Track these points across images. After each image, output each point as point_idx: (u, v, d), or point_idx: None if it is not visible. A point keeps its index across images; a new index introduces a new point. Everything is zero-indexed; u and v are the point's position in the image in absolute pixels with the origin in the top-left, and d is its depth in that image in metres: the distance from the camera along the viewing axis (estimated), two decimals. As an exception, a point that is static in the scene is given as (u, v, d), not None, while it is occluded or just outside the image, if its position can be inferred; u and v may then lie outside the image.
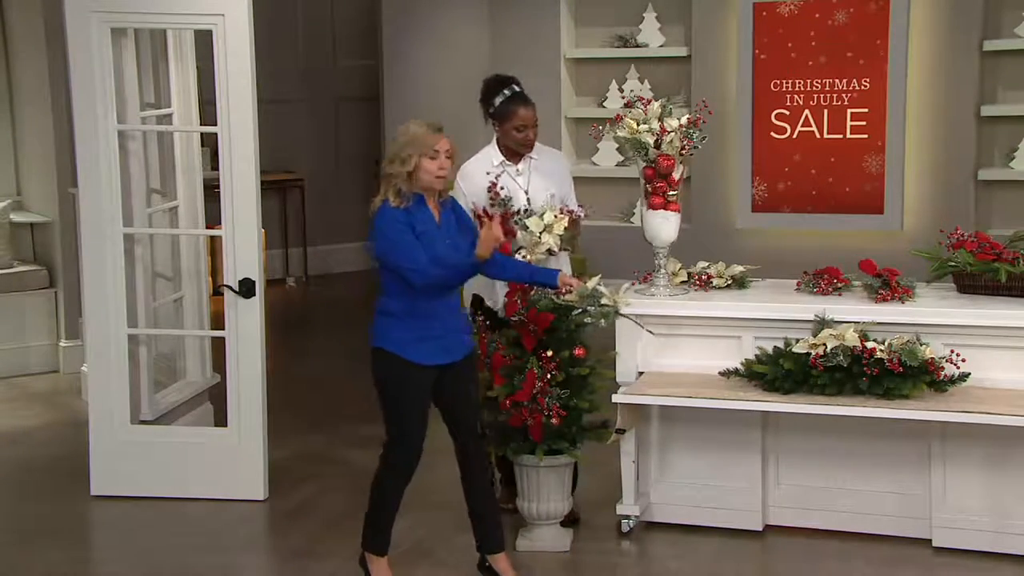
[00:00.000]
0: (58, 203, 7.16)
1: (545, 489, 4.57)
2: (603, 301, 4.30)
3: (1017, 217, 7.29)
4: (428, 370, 4.13)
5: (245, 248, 5.08)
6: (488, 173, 4.83)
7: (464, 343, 4.23)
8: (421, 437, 4.21)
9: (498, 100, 4.88)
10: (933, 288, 4.73)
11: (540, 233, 4.60)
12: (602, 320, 4.31)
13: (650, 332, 4.53)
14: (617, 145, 4.99)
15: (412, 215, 4.07)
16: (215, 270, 6.47)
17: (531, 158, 4.91)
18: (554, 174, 4.92)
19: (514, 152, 4.89)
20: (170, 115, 5.68)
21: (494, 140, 4.95)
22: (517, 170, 4.89)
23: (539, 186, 4.85)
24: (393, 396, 4.16)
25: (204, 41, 5.18)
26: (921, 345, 4.31)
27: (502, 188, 4.76)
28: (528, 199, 4.80)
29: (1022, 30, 7.63)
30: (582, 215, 4.88)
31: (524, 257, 4.57)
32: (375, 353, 4.18)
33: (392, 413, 4.19)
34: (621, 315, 4.40)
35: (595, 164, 8.72)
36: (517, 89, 4.90)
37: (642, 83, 8.44)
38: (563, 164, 5.10)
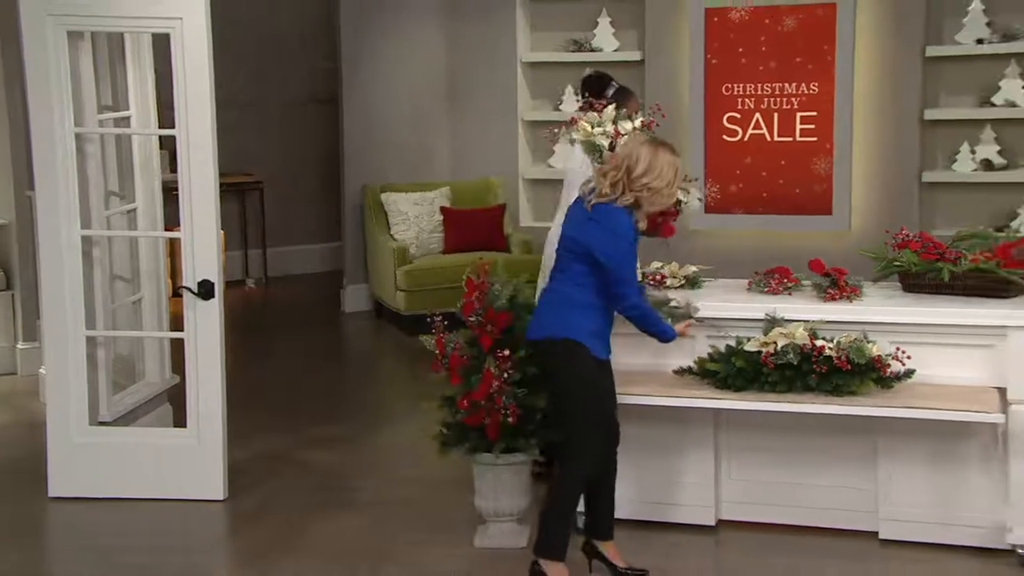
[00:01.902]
0: (15, 205, 7.05)
1: (502, 487, 4.56)
2: (673, 304, 4.40)
3: (959, 218, 7.37)
4: (599, 364, 4.18)
5: (204, 250, 5.03)
6: None
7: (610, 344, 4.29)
8: (609, 426, 4.20)
9: (610, 91, 5.24)
10: (879, 287, 4.77)
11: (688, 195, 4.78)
12: (669, 319, 4.36)
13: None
14: (581, 148, 4.98)
15: (634, 222, 4.16)
16: (175, 271, 6.41)
17: None
18: None
19: None
20: (128, 118, 5.61)
21: None
22: None
23: None
24: (585, 387, 4.13)
25: (163, 44, 5.12)
26: (868, 343, 4.34)
27: None
28: None
29: (962, 37, 7.73)
30: None
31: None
32: (563, 343, 4.11)
33: (582, 405, 4.13)
34: (696, 319, 4.43)
35: (551, 167, 8.72)
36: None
37: (597, 87, 8.45)
38: None
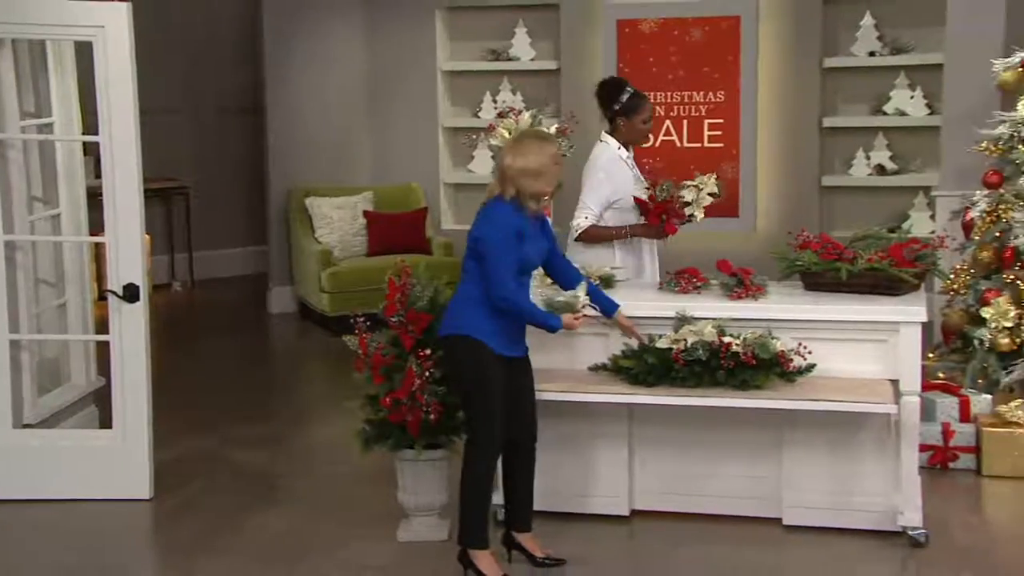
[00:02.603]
0: (-62, 211, 6.80)
1: (424, 482, 4.53)
2: (559, 299, 4.33)
3: (856, 219, 7.52)
4: (503, 360, 4.12)
5: (128, 254, 4.93)
6: (623, 162, 5.09)
7: (524, 341, 4.25)
8: (503, 423, 4.15)
9: (625, 97, 5.07)
10: (783, 286, 4.83)
11: (699, 193, 4.92)
12: (551, 309, 4.31)
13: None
14: (491, 153, 5.00)
15: (522, 217, 4.12)
16: (100, 275, 6.26)
17: (631, 152, 5.20)
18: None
19: (626, 144, 5.13)
20: (51, 124, 5.46)
21: (607, 136, 5.11)
22: (632, 164, 5.17)
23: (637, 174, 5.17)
24: (478, 382, 4.10)
25: (87, 51, 4.99)
26: (772, 339, 4.40)
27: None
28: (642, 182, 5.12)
29: (857, 49, 7.91)
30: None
31: (694, 217, 4.93)
32: (458, 340, 4.11)
33: (477, 399, 4.12)
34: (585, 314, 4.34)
35: (471, 171, 8.72)
36: (639, 90, 5.13)
37: (514, 94, 8.47)
38: None
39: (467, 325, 4.12)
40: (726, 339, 4.37)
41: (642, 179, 5.13)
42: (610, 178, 5.03)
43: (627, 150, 5.14)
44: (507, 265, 4.07)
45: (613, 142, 5.10)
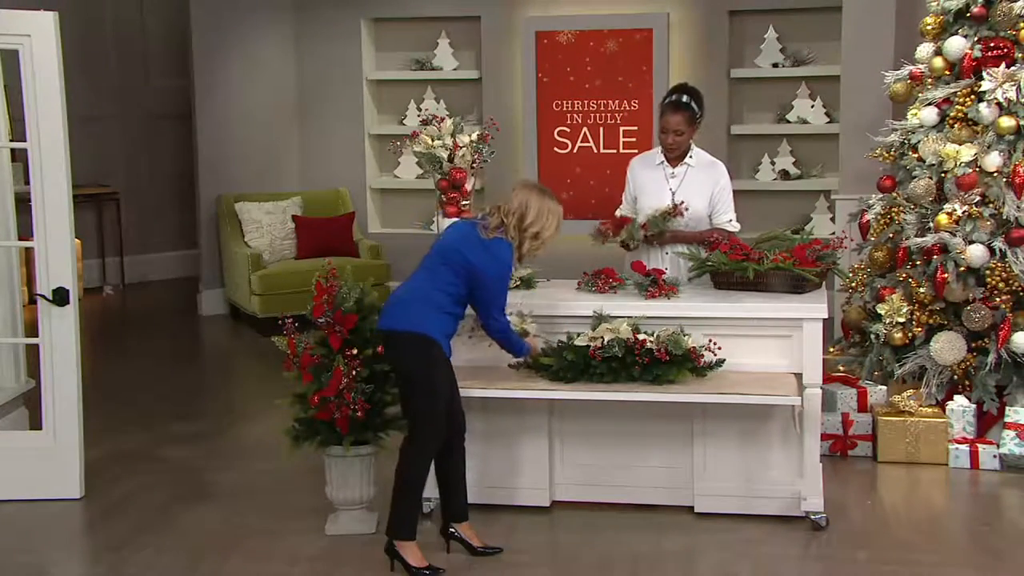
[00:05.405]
0: None
1: (352, 477, 4.48)
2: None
3: (762, 222, 7.61)
4: (448, 361, 4.17)
5: (58, 258, 4.79)
6: (649, 168, 5.07)
7: None
8: (447, 422, 4.16)
9: (662, 102, 5.01)
10: (694, 285, 4.87)
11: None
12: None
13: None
14: (416, 159, 4.97)
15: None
16: (31, 279, 6.08)
17: (688, 165, 5.03)
18: (704, 185, 4.99)
19: (674, 156, 4.99)
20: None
21: None
22: (672, 173, 5.02)
23: (687, 193, 4.93)
24: (428, 381, 4.10)
25: (15, 58, 4.83)
26: (684, 336, 4.43)
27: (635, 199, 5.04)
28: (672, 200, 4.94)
29: (761, 60, 8.03)
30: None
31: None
32: (413, 337, 4.09)
33: (427, 397, 4.11)
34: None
35: (397, 177, 8.67)
36: (679, 98, 4.98)
37: (438, 103, 8.44)
38: (716, 177, 5.06)
39: (427, 325, 4.11)
40: (641, 336, 4.39)
41: (671, 192, 5.00)
42: (632, 178, 5.16)
43: (669, 162, 5.06)
44: (504, 300, 4.22)
45: (658, 149, 5.13)
